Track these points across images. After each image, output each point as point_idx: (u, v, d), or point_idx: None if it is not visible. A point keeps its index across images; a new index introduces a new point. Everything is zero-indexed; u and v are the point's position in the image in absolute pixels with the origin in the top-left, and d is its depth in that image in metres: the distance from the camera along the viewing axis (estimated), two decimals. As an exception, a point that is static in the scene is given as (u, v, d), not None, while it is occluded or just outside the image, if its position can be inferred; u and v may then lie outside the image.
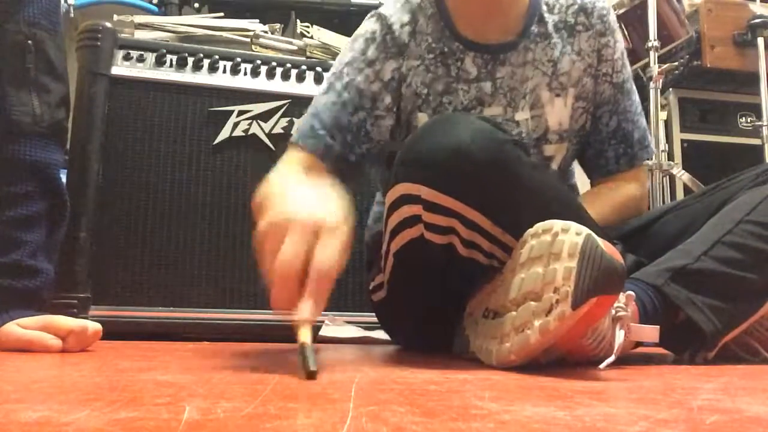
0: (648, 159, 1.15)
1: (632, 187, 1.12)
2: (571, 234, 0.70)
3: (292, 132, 1.45)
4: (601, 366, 0.72)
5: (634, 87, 1.14)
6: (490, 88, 1.04)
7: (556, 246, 0.71)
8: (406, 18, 1.04)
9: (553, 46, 1.05)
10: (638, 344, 0.91)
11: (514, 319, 0.74)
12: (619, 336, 0.74)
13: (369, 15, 1.07)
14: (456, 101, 1.04)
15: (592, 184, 1.16)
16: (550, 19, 1.06)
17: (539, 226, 0.75)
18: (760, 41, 2.05)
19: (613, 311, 0.75)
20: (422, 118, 1.04)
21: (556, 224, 0.73)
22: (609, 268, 0.66)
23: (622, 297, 0.77)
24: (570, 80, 1.06)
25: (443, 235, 0.82)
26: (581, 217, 0.87)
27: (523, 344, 0.71)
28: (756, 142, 2.09)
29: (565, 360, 0.77)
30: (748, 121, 2.20)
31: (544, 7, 1.07)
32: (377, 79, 1.02)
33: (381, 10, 1.06)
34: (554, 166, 1.09)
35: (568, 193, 0.96)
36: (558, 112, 1.06)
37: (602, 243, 0.68)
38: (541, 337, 0.69)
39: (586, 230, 0.69)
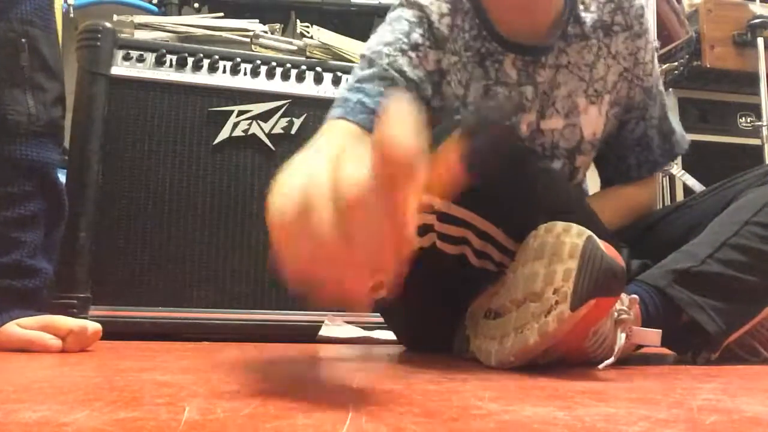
0: (671, 161, 1.10)
1: (644, 191, 1.11)
2: (572, 235, 0.69)
3: (292, 131, 1.46)
4: (600, 366, 0.72)
5: (662, 86, 1.09)
6: (532, 93, 0.97)
7: (557, 247, 0.70)
8: (445, 9, 0.95)
9: (589, 49, 0.99)
10: (639, 346, 0.91)
11: (514, 319, 0.74)
12: (620, 339, 0.74)
13: (398, 4, 0.96)
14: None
15: (603, 186, 1.14)
16: (588, 17, 0.99)
17: (542, 227, 0.75)
18: (760, 41, 2.05)
19: (616, 314, 0.75)
20: None
21: (558, 225, 0.73)
22: (609, 270, 0.65)
23: (625, 300, 0.77)
24: (606, 86, 1.01)
25: (456, 245, 0.81)
26: (592, 222, 0.86)
27: (522, 345, 0.71)
28: (756, 142, 2.08)
29: (564, 361, 0.76)
30: (748, 121, 2.20)
31: (581, 6, 0.99)
32: (421, 65, 0.92)
33: None
34: (580, 175, 1.06)
35: (581, 200, 0.94)
36: (593, 122, 1.01)
37: (603, 245, 0.67)
38: (539, 338, 0.69)
39: (587, 232, 0.69)
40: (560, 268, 0.69)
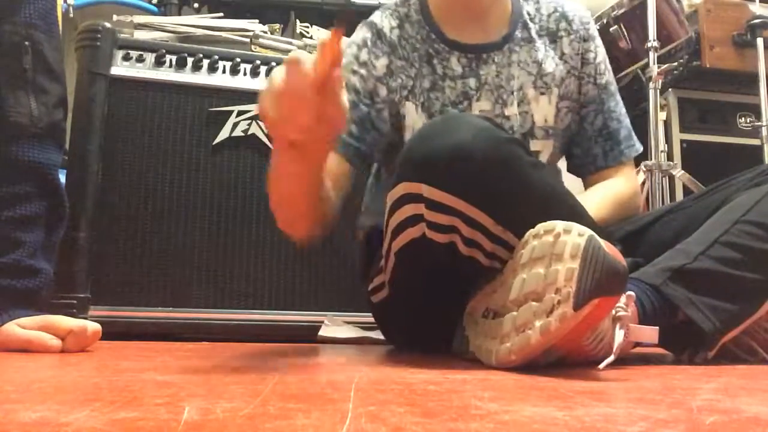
0: (635, 154, 1.18)
1: (623, 183, 1.14)
2: (573, 235, 0.70)
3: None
4: (601, 366, 0.72)
5: (618, 92, 1.19)
6: (475, 83, 1.10)
7: (558, 247, 0.71)
8: (394, 23, 1.13)
9: (536, 50, 1.13)
10: (637, 344, 0.91)
11: (514, 319, 0.74)
12: (619, 336, 0.74)
13: (360, 25, 1.15)
14: (443, 97, 1.10)
15: (585, 186, 1.18)
16: (533, 26, 1.14)
17: (541, 227, 0.75)
18: (760, 41, 2.05)
19: (614, 311, 0.75)
20: (410, 107, 1.09)
21: (558, 225, 0.73)
22: (611, 270, 0.66)
23: (622, 297, 0.77)
24: (554, 80, 1.12)
25: (445, 233, 0.83)
26: (580, 215, 0.88)
27: (524, 344, 0.71)
28: (755, 142, 2.08)
29: (564, 360, 0.77)
30: (748, 121, 2.20)
31: (527, 16, 1.14)
32: (371, 76, 1.09)
33: (371, 18, 1.15)
34: (542, 161, 1.11)
35: (567, 191, 0.97)
36: (543, 109, 1.11)
37: (605, 244, 0.68)
38: (541, 337, 0.69)
39: (588, 231, 0.69)
40: (562, 268, 0.69)
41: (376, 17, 1.15)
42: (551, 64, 1.13)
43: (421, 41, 1.11)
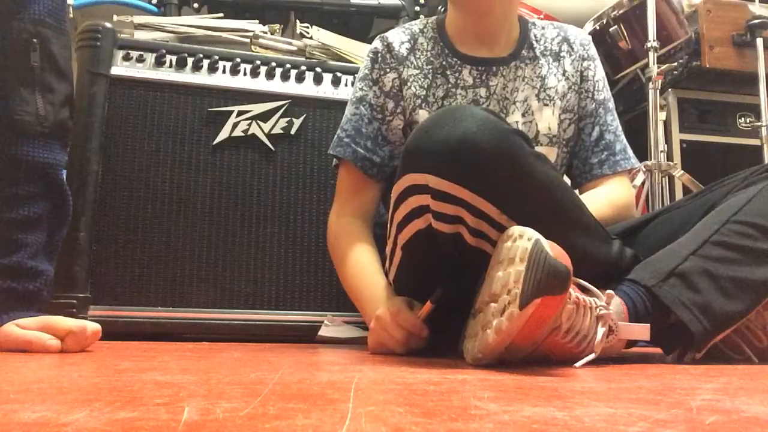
0: (631, 168, 1.23)
1: (618, 189, 1.19)
2: (524, 239, 0.74)
3: (291, 132, 1.46)
4: (577, 364, 0.75)
5: (615, 110, 1.26)
6: (485, 93, 1.19)
7: (512, 251, 0.75)
8: (405, 38, 1.23)
9: (540, 66, 1.21)
10: (632, 344, 0.91)
11: (481, 318, 0.79)
12: (599, 333, 0.77)
13: (376, 38, 1.26)
14: (455, 103, 1.17)
15: (580, 193, 1.21)
16: (538, 47, 1.23)
17: (507, 232, 0.79)
18: (759, 42, 2.05)
19: (597, 310, 0.78)
20: (423, 114, 1.16)
21: (516, 230, 0.77)
22: (552, 271, 0.69)
23: (602, 295, 0.81)
24: (557, 94, 1.20)
25: (451, 224, 0.84)
26: (580, 207, 0.90)
27: (485, 343, 0.76)
28: (755, 142, 2.08)
29: (550, 360, 0.79)
30: (747, 121, 2.20)
31: (533, 38, 1.23)
32: (382, 93, 1.21)
33: (385, 33, 1.26)
34: None
35: (568, 185, 0.98)
36: (546, 119, 1.19)
37: (550, 247, 0.71)
38: (496, 336, 0.73)
39: (536, 235, 0.72)
40: (513, 271, 0.73)
41: (389, 33, 1.25)
42: (554, 80, 1.21)
43: (435, 55, 1.21)
